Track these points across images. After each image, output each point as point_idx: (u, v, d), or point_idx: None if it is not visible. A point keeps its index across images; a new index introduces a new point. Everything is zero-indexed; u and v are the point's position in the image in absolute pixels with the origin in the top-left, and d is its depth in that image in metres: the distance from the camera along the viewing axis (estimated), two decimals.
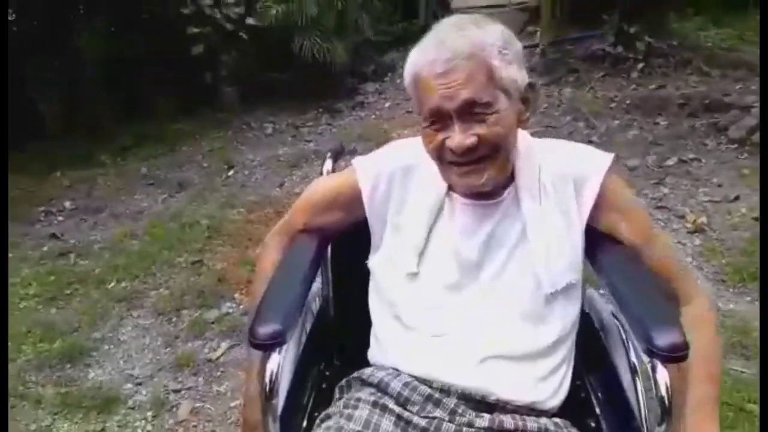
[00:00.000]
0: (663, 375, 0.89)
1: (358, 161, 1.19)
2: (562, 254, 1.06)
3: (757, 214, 3.17)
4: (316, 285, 1.42)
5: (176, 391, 2.15)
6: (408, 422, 1.01)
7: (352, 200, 1.16)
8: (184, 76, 5.31)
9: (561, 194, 1.07)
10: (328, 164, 1.43)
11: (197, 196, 3.79)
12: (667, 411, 0.90)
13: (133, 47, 5.13)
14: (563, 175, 1.08)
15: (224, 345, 2.36)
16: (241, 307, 2.58)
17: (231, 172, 4.16)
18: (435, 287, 1.08)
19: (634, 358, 1.10)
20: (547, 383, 1.06)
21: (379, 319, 1.16)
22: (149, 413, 2.06)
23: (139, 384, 2.20)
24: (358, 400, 1.06)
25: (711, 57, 5.41)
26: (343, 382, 1.14)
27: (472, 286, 1.07)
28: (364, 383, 1.10)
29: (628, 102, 4.81)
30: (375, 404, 1.04)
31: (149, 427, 2.01)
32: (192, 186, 3.97)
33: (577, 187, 1.07)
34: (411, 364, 1.07)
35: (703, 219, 3.17)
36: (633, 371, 1.10)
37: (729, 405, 1.97)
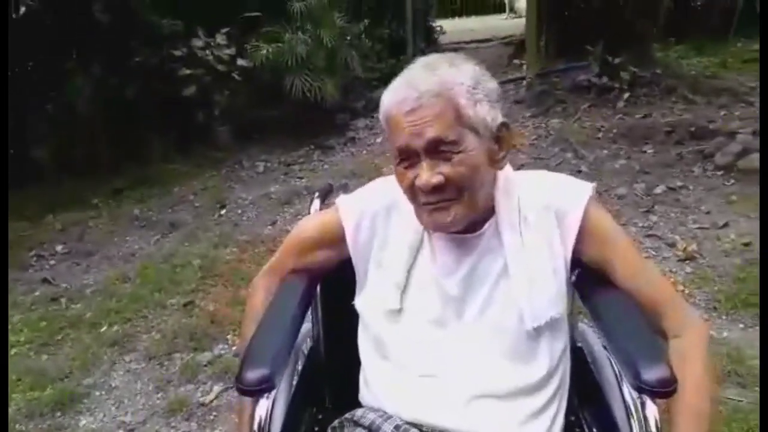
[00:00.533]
0: (652, 410, 0.90)
1: (341, 201, 1.20)
2: (544, 288, 1.05)
3: (746, 240, 3.19)
4: (306, 326, 1.42)
5: None
6: None
7: (338, 239, 1.17)
8: (178, 117, 5.36)
9: (543, 226, 1.07)
10: (316, 204, 1.44)
11: (189, 236, 3.79)
12: None
13: (126, 90, 5.19)
14: (544, 206, 1.07)
15: (217, 388, 2.33)
16: (234, 348, 2.56)
17: (223, 211, 4.18)
18: (419, 323, 1.09)
19: (626, 394, 1.09)
20: (539, 421, 1.05)
21: (368, 359, 1.16)
22: None
23: (131, 430, 2.18)
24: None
25: (695, 84, 5.51)
26: (336, 423, 1.14)
27: (456, 322, 1.07)
28: (357, 425, 1.09)
29: (614, 131, 4.88)
30: None
31: None
32: (184, 226, 3.98)
33: (558, 218, 1.07)
34: (399, 406, 1.07)
35: (694, 246, 3.19)
36: (626, 407, 1.09)
37: None
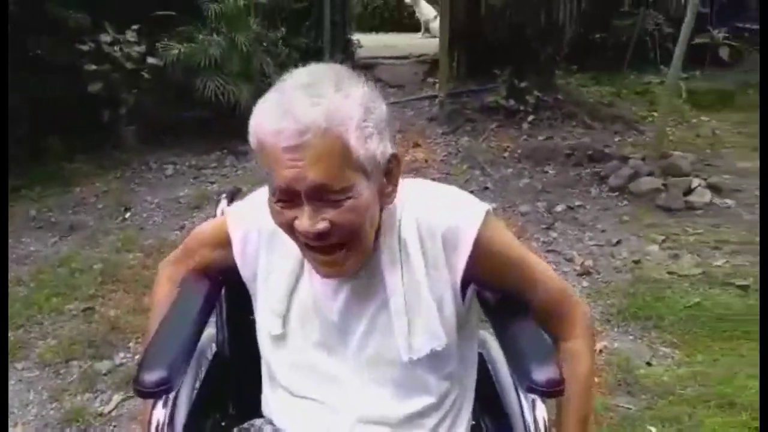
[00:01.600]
0: (541, 410, 0.96)
1: (229, 212, 1.15)
2: (425, 322, 1.00)
3: (636, 257, 3.45)
4: (211, 330, 1.40)
5: None
6: None
7: (229, 245, 1.11)
8: (82, 115, 5.10)
9: (427, 251, 1.00)
10: (223, 205, 1.41)
11: (90, 239, 3.61)
12: None
13: (27, 82, 4.89)
14: (430, 229, 0.99)
15: (117, 397, 2.24)
16: (137, 357, 2.47)
17: (128, 215, 4.01)
18: (303, 347, 1.06)
19: (521, 396, 1.12)
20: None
21: (264, 376, 1.15)
22: None
23: None
24: None
25: (593, 111, 5.89)
26: (235, 430, 1.13)
27: (340, 347, 1.04)
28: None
29: (519, 152, 5.12)
30: None
31: None
32: (85, 228, 3.78)
33: (446, 242, 0.99)
34: (289, 425, 1.07)
35: (590, 262, 3.40)
36: (521, 409, 1.12)
37: None
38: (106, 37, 5.04)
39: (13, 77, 4.76)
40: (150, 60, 5.29)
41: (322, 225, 0.87)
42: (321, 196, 0.86)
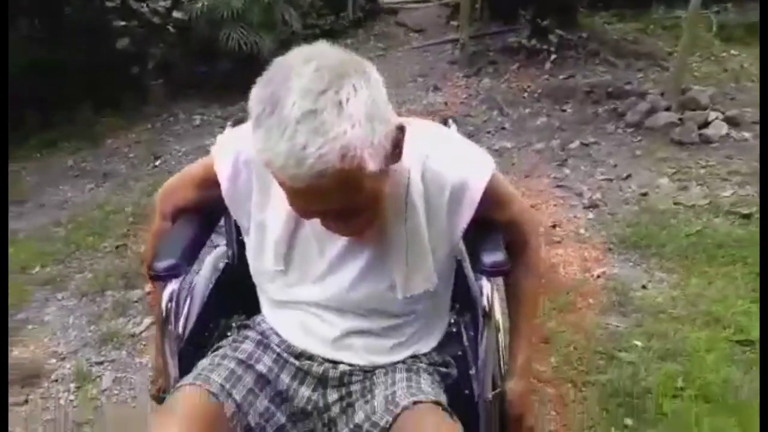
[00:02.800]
0: (487, 288, 1.10)
1: (216, 153, 1.13)
2: (420, 269, 1.09)
3: (644, 190, 3.50)
4: (222, 247, 1.59)
5: (99, 363, 2.27)
6: (286, 361, 1.17)
7: (218, 186, 1.12)
8: (110, 71, 5.31)
9: (432, 207, 1.06)
10: (221, 137, 1.56)
11: (122, 186, 3.86)
12: (487, 316, 1.10)
13: (58, 43, 5.11)
14: (439, 183, 1.05)
15: (147, 321, 2.48)
16: None
17: (158, 162, 4.24)
18: (298, 281, 1.14)
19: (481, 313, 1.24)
20: (414, 340, 1.19)
21: (260, 293, 1.27)
22: (72, 385, 2.17)
23: (63, 359, 2.31)
24: (246, 337, 1.21)
25: (617, 48, 5.80)
26: (238, 322, 1.31)
27: (332, 282, 1.11)
28: (254, 328, 1.25)
29: (539, 91, 5.13)
30: (259, 343, 1.19)
31: (72, 398, 2.12)
32: (118, 176, 4.04)
33: (453, 196, 1.05)
34: (284, 333, 1.20)
35: (598, 195, 3.47)
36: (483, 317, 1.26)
37: (602, 353, 2.25)
38: None
39: (44, 37, 5.01)
40: (175, 14, 5.44)
41: (349, 232, 1.00)
42: (345, 213, 0.93)
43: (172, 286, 1.15)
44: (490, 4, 6.72)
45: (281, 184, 0.88)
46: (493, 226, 1.14)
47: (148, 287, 2.66)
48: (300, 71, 0.83)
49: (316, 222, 1.01)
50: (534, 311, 1.26)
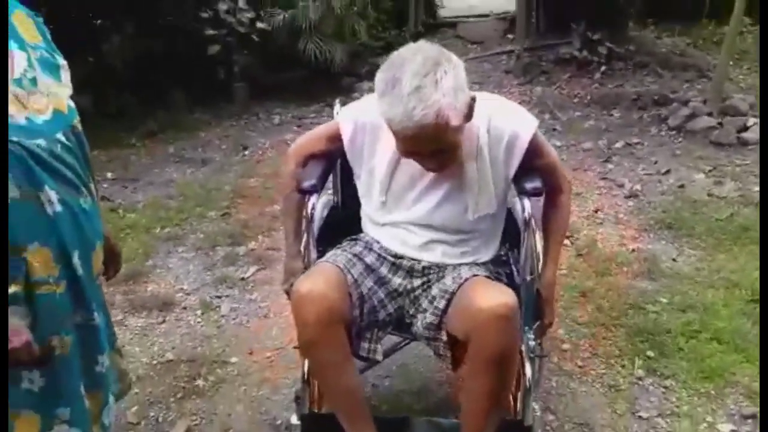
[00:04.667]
0: (527, 205, 1.58)
1: (341, 117, 1.67)
2: (485, 195, 1.57)
3: (681, 183, 3.88)
4: (329, 196, 2.10)
5: (218, 297, 2.82)
6: (384, 258, 1.67)
7: (340, 140, 1.65)
8: (201, 74, 6.01)
9: (494, 149, 1.53)
10: (338, 107, 2.06)
11: (219, 170, 4.48)
12: (527, 224, 1.58)
13: (156, 48, 5.83)
14: (499, 134, 1.52)
15: (253, 269, 3.03)
16: (263, 245, 3.26)
17: (246, 152, 4.86)
18: (396, 208, 1.63)
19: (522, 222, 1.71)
20: (472, 255, 1.67)
21: (364, 218, 1.79)
22: (198, 311, 2.73)
23: (188, 294, 2.87)
24: (356, 243, 1.73)
25: (665, 61, 6.15)
26: (348, 238, 1.81)
27: (420, 207, 1.60)
28: (360, 240, 1.75)
29: (588, 98, 5.55)
30: (365, 246, 1.70)
31: (199, 320, 2.67)
32: (214, 162, 4.66)
33: (509, 144, 1.53)
34: (383, 242, 1.70)
35: (638, 187, 3.88)
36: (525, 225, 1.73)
37: (631, 305, 2.64)
38: (222, 5, 5.87)
39: (144, 41, 5.72)
40: (259, 25, 6.10)
41: (437, 166, 1.47)
42: (436, 152, 1.41)
43: (313, 199, 1.67)
44: (545, 18, 7.16)
45: (395, 134, 1.37)
46: (532, 169, 1.61)
47: (251, 246, 3.23)
48: (411, 60, 1.34)
49: (407, 166, 1.54)
50: (560, 239, 1.77)
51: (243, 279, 2.96)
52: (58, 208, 1.11)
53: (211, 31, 5.85)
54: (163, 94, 5.92)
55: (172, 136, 5.29)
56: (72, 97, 1.24)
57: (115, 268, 1.52)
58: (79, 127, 1.23)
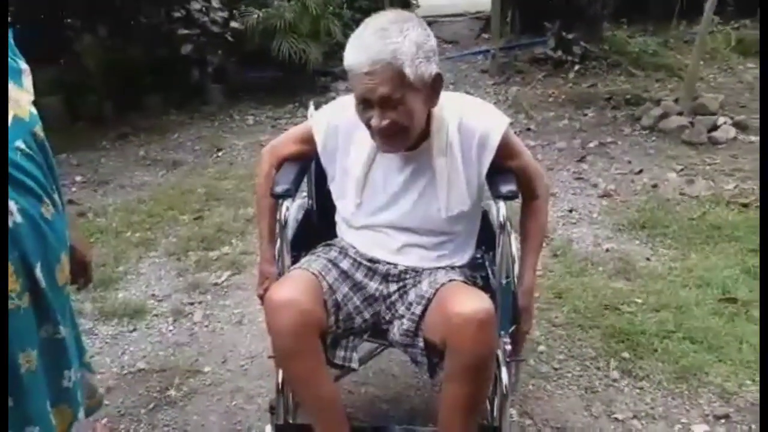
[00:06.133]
0: (502, 208, 1.57)
1: (313, 120, 1.66)
2: (457, 193, 1.55)
3: (654, 182, 3.92)
4: (303, 199, 2.07)
5: (191, 304, 2.77)
6: (360, 263, 1.65)
7: (313, 142, 1.65)
8: (175, 75, 5.92)
9: (465, 148, 1.52)
10: (311, 109, 2.02)
11: (192, 172, 4.41)
12: (503, 228, 1.57)
13: (129, 49, 5.73)
14: (470, 132, 1.51)
15: (226, 274, 2.98)
16: (237, 249, 3.21)
17: (220, 153, 4.79)
18: (372, 209, 1.61)
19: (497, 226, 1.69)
20: (447, 258, 1.66)
21: (339, 221, 1.77)
22: (170, 319, 2.67)
23: (160, 300, 2.81)
24: (330, 248, 1.70)
25: (637, 60, 6.23)
26: (323, 243, 1.78)
27: (396, 208, 1.59)
28: (335, 245, 1.73)
29: (563, 97, 5.59)
30: (340, 251, 1.68)
31: (171, 328, 2.62)
32: (186, 164, 4.59)
33: (480, 142, 1.52)
34: (358, 246, 1.68)
35: (612, 186, 3.90)
36: (499, 228, 1.72)
37: (606, 306, 2.65)
38: (195, 4, 5.79)
39: (117, 41, 5.62)
40: (232, 24, 6.02)
41: (386, 122, 1.40)
42: (386, 101, 1.36)
43: (287, 203, 1.64)
44: (520, 18, 7.20)
45: (350, 75, 1.37)
46: (508, 172, 1.60)
47: (225, 250, 3.18)
48: (383, 14, 1.41)
49: (381, 166, 1.55)
50: (538, 245, 1.73)
51: (216, 284, 2.91)
52: (19, 219, 1.07)
53: (184, 31, 5.77)
54: (137, 96, 5.84)
55: (145, 139, 5.20)
56: (38, 101, 1.19)
57: (86, 279, 1.49)
58: (42, 134, 1.19)
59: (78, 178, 4.34)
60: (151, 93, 5.82)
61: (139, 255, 3.21)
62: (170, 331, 2.60)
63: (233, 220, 3.51)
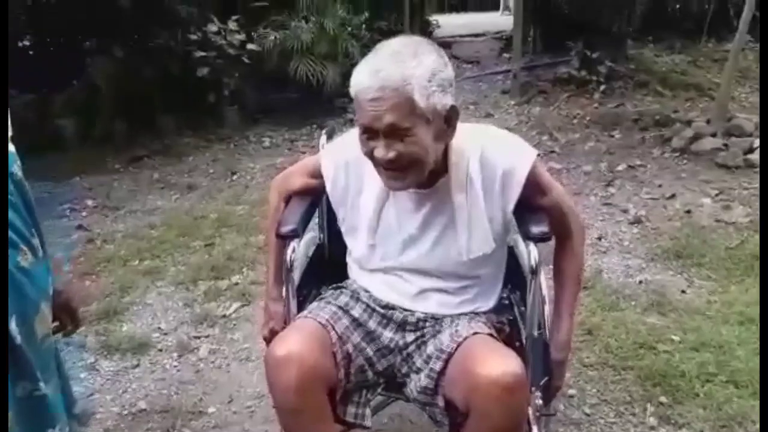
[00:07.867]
0: (534, 251, 1.39)
1: (322, 157, 1.52)
2: (479, 234, 1.38)
3: (688, 208, 3.71)
4: (313, 233, 1.92)
5: (197, 338, 2.62)
6: (373, 310, 1.49)
7: (323, 179, 1.50)
8: (190, 97, 5.86)
9: (487, 184, 1.35)
10: (323, 139, 1.90)
11: (205, 196, 4.30)
12: (534, 273, 1.39)
13: (144, 70, 5.69)
14: (493, 166, 1.34)
15: (235, 305, 2.84)
16: (248, 278, 3.07)
17: (234, 177, 4.68)
18: (386, 252, 1.45)
19: (529, 270, 1.52)
20: (471, 304, 1.48)
21: (351, 262, 1.61)
22: (175, 354, 2.53)
23: (166, 334, 2.67)
24: (341, 292, 1.54)
25: (665, 80, 6.04)
26: (333, 286, 1.63)
27: (412, 251, 1.43)
28: (347, 288, 1.57)
29: (588, 118, 5.40)
30: (352, 296, 1.52)
31: (176, 364, 2.48)
32: (200, 188, 4.48)
33: (504, 177, 1.34)
34: (372, 290, 1.52)
35: (643, 212, 3.70)
36: (531, 272, 1.56)
37: (641, 344, 2.46)
38: (212, 27, 5.75)
39: (132, 64, 5.58)
40: (249, 46, 5.97)
41: (391, 154, 1.23)
42: (393, 131, 1.21)
43: (293, 243, 1.50)
44: (541, 37, 7.05)
45: (356, 100, 1.23)
46: (538, 209, 1.43)
47: (235, 279, 3.05)
48: (398, 40, 1.27)
49: (396, 205, 1.39)
50: (576, 291, 1.54)
51: (225, 316, 2.77)
52: None
53: (200, 53, 5.72)
54: (151, 118, 5.78)
55: (159, 162, 5.12)
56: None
57: (73, 324, 1.36)
58: (20, 173, 1.10)
59: (89, 203, 4.25)
60: (166, 115, 5.75)
61: (146, 285, 3.08)
62: (174, 367, 2.46)
63: (244, 247, 3.38)
